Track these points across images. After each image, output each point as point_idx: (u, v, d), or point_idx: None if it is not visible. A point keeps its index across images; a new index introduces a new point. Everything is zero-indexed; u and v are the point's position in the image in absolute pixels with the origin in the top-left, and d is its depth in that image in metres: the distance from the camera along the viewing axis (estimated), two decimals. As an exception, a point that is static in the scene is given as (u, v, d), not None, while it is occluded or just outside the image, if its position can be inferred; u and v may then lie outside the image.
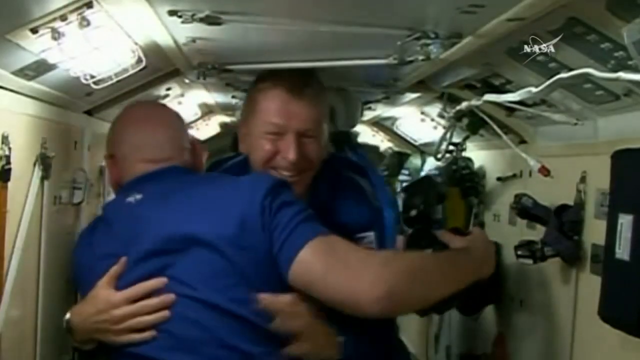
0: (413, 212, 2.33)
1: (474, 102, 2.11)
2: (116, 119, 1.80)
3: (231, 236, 1.49)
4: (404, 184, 3.30)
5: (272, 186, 1.55)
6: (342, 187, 1.94)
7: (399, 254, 1.63)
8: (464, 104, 2.23)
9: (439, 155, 2.81)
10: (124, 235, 1.56)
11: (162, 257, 1.52)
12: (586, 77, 1.43)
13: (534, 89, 1.57)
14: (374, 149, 4.55)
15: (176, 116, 1.82)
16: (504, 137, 2.15)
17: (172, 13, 1.58)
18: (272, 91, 1.84)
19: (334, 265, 1.45)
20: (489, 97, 1.90)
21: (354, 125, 3.12)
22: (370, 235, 1.87)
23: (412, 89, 2.61)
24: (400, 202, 2.50)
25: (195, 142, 1.81)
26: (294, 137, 1.78)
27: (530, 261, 1.96)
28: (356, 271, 1.44)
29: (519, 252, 2.00)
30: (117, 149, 1.72)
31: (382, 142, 4.45)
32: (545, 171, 1.92)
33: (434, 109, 2.96)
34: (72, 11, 1.49)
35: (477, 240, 1.80)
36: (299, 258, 1.45)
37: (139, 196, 1.58)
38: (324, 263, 1.46)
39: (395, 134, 4.06)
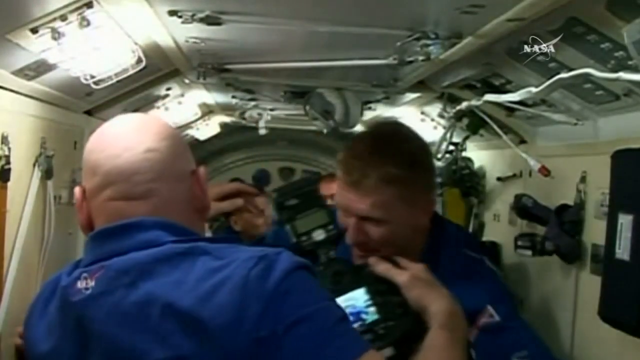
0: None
1: (474, 102, 2.11)
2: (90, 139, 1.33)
3: None
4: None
5: (272, 295, 1.09)
6: (473, 268, 1.80)
7: None
8: (464, 104, 2.23)
9: (439, 155, 2.81)
10: (72, 337, 1.20)
11: None
12: (586, 77, 1.43)
13: (534, 89, 1.57)
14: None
15: (167, 132, 1.28)
16: (504, 137, 2.15)
17: (172, 13, 1.58)
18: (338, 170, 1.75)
19: None
20: (489, 97, 1.90)
21: (354, 125, 3.13)
22: (517, 325, 1.73)
23: (412, 89, 2.61)
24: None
25: (197, 170, 1.30)
26: (354, 221, 1.69)
27: (529, 252, 1.95)
28: None
29: (519, 243, 1.98)
30: (85, 180, 1.29)
31: (382, 142, 4.45)
32: (545, 171, 1.92)
33: (434, 109, 2.96)
34: (72, 11, 1.49)
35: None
36: None
37: (91, 283, 1.17)
38: None
39: (395, 134, 4.06)
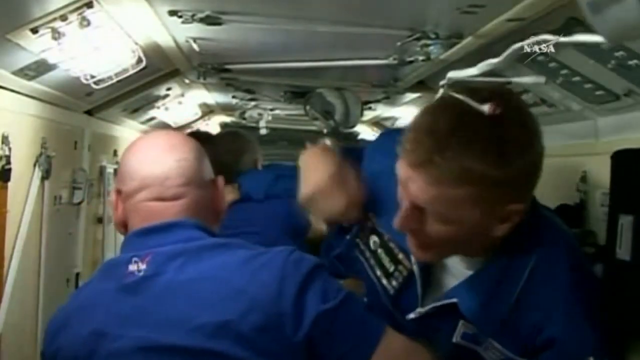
0: None
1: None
2: (126, 148, 1.52)
3: (247, 340, 1.29)
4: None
5: (306, 277, 1.33)
6: (586, 294, 1.24)
7: None
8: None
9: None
10: (120, 313, 1.34)
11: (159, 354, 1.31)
12: (541, 44, 1.37)
13: (494, 60, 1.55)
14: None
15: (192, 145, 1.50)
16: (504, 137, 2.15)
17: (172, 13, 1.59)
18: (404, 142, 1.24)
19: None
20: (452, 74, 1.77)
21: (354, 125, 3.14)
22: None
23: (412, 89, 2.61)
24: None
25: (217, 180, 1.53)
26: (408, 207, 1.25)
27: None
28: None
29: None
30: (122, 183, 1.45)
31: (382, 142, 4.46)
32: None
33: (434, 109, 2.95)
34: (72, 11, 1.49)
35: None
36: None
37: (142, 266, 1.36)
38: None
39: (396, 134, 4.06)
